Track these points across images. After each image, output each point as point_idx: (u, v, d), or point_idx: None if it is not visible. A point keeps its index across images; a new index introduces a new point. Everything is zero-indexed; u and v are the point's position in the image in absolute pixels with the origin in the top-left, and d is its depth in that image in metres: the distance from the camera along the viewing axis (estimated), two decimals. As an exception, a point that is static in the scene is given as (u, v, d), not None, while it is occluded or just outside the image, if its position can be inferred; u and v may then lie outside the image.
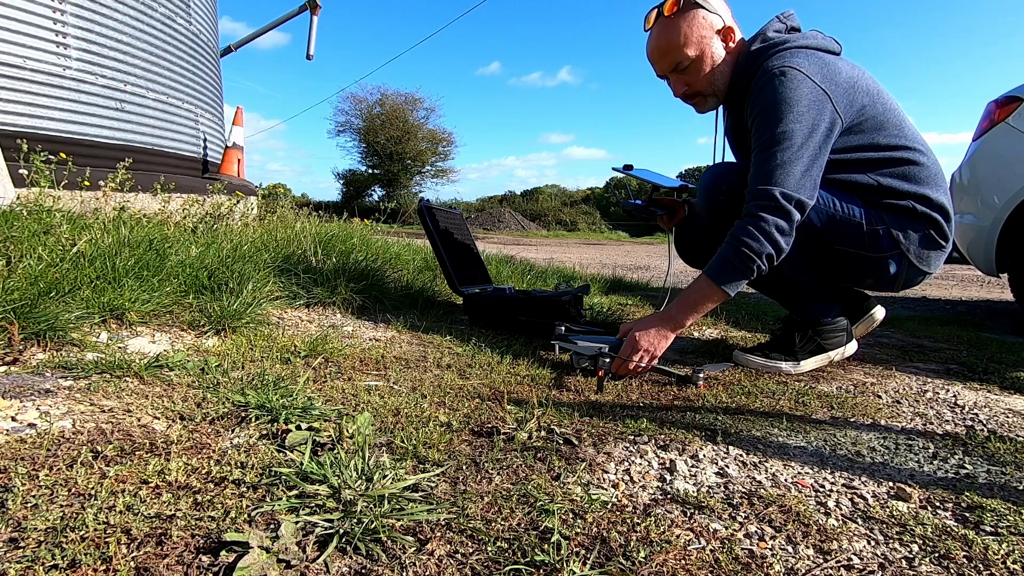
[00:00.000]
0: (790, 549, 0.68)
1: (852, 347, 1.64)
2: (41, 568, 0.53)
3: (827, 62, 1.37)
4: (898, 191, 1.41)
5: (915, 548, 0.69)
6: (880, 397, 1.36)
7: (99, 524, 0.61)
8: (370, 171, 28.06)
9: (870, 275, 1.52)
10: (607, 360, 1.34)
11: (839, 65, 1.38)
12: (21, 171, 2.24)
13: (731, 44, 1.45)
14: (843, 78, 1.36)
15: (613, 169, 2.04)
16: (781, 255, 1.33)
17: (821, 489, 0.85)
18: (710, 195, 1.53)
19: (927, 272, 1.49)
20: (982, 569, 0.65)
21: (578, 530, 0.68)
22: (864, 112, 1.38)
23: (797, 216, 1.31)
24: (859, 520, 0.76)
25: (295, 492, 0.71)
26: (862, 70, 1.43)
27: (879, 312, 1.70)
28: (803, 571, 0.63)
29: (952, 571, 0.65)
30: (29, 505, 0.64)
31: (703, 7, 1.41)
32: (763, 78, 1.36)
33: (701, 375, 1.34)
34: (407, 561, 0.60)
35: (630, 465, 0.90)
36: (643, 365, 1.36)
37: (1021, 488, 0.87)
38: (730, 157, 1.66)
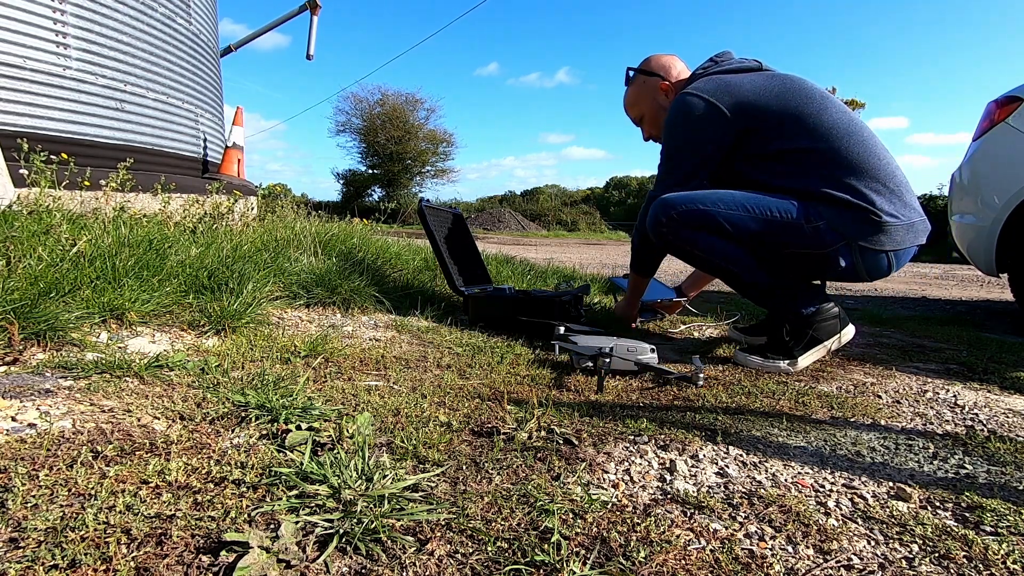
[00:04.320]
0: (790, 549, 0.68)
1: (849, 332, 1.63)
2: (41, 568, 0.53)
3: (727, 79, 1.61)
4: (829, 181, 1.49)
5: (915, 548, 0.69)
6: (880, 397, 1.36)
7: (99, 524, 0.61)
8: (370, 171, 28.08)
9: (827, 270, 1.57)
10: (607, 360, 1.34)
11: (741, 80, 1.60)
12: (22, 171, 2.24)
13: (672, 96, 1.81)
14: (745, 90, 1.57)
15: (611, 280, 2.47)
16: (635, 239, 1.86)
17: (821, 489, 0.85)
18: (656, 231, 1.65)
19: (889, 250, 1.50)
20: (982, 569, 0.65)
21: (578, 530, 0.68)
22: (777, 113, 1.53)
23: (658, 208, 1.61)
24: (859, 520, 0.76)
25: (295, 492, 0.71)
26: (784, 79, 1.60)
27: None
28: (803, 571, 0.63)
29: (952, 571, 0.65)
30: (29, 505, 0.64)
31: (644, 74, 1.86)
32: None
33: (701, 375, 1.34)
34: (407, 561, 0.60)
35: (630, 465, 0.90)
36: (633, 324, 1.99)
37: (1021, 488, 0.87)
38: None
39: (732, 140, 1.58)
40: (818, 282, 1.69)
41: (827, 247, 1.50)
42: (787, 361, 1.56)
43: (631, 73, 1.89)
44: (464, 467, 0.84)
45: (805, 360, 1.57)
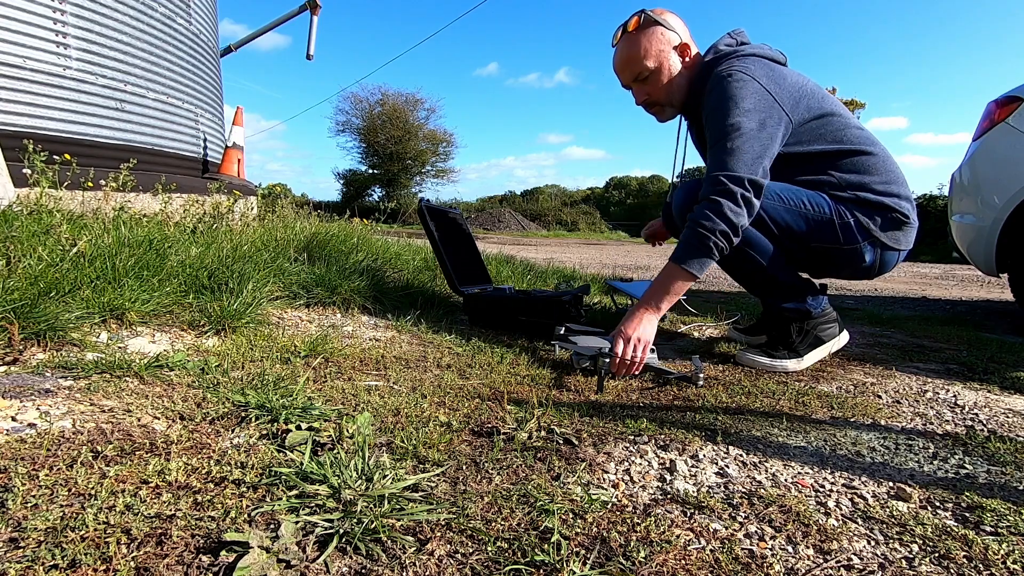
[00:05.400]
0: (790, 549, 0.68)
1: (844, 337, 1.69)
2: (41, 568, 0.53)
3: (773, 67, 1.51)
4: (857, 184, 1.52)
5: (915, 548, 0.69)
6: (880, 397, 1.36)
7: (99, 524, 0.61)
8: (370, 171, 28.07)
9: (847, 265, 1.59)
10: (607, 360, 1.34)
11: (784, 71, 1.52)
12: (25, 171, 2.24)
13: (687, 59, 1.59)
14: (789, 82, 1.49)
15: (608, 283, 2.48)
16: (736, 231, 1.38)
17: (821, 489, 0.85)
18: (682, 217, 1.56)
19: (902, 249, 1.57)
20: (982, 569, 0.65)
21: (578, 530, 0.68)
22: (812, 113, 1.49)
23: (748, 193, 1.37)
24: (859, 520, 0.76)
25: (295, 492, 0.71)
26: (807, 78, 1.55)
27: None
28: (803, 571, 0.63)
29: (952, 571, 0.65)
30: (29, 505, 0.64)
31: (662, 25, 1.56)
32: (713, 81, 1.49)
33: (701, 375, 1.34)
34: (407, 561, 0.60)
35: (630, 465, 0.90)
36: (639, 355, 1.35)
37: (1021, 488, 0.87)
38: (697, 162, 1.75)
39: (783, 142, 1.48)
40: (816, 283, 1.70)
41: (855, 243, 1.53)
42: (794, 359, 1.57)
43: (643, 18, 1.55)
44: (464, 467, 0.84)
45: (811, 359, 1.59)
